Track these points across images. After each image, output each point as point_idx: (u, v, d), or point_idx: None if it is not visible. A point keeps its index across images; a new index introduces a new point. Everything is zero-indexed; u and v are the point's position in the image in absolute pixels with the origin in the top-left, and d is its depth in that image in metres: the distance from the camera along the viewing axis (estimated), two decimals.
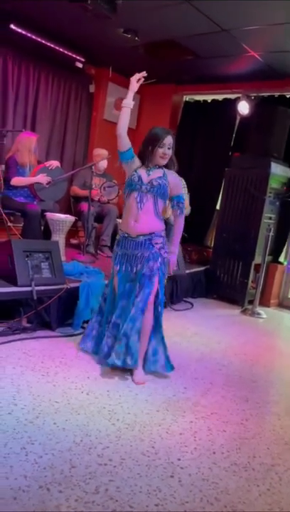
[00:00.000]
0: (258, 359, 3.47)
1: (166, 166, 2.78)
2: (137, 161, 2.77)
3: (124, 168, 2.80)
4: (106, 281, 3.66)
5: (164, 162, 2.74)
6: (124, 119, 2.73)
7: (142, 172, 2.74)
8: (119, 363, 2.66)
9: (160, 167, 2.77)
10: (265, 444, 2.24)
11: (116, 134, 2.72)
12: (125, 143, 2.72)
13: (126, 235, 2.80)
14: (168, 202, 2.88)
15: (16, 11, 4.58)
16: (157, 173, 2.75)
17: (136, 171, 2.74)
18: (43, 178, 4.35)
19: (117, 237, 2.89)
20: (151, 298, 2.74)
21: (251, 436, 2.29)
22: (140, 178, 2.73)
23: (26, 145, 4.40)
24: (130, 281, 2.82)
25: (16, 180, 4.31)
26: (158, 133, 2.70)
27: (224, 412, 2.50)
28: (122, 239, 2.82)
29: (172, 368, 2.86)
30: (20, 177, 4.34)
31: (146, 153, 2.72)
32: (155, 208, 2.75)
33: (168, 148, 2.71)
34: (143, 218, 2.73)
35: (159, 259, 2.76)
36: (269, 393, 2.90)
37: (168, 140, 2.69)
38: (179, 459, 1.98)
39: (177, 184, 2.84)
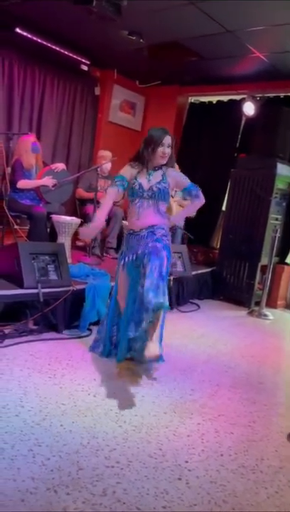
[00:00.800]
0: (265, 360, 3.45)
1: (165, 164, 2.82)
2: (133, 169, 2.82)
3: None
4: (112, 283, 3.67)
5: (164, 161, 2.79)
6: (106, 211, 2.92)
7: (142, 179, 2.79)
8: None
9: (159, 168, 2.81)
10: (273, 447, 2.22)
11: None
12: (114, 195, 2.88)
13: (130, 232, 2.86)
14: (174, 203, 2.90)
15: (21, 14, 4.61)
16: (157, 177, 2.80)
17: (136, 179, 2.80)
18: (48, 181, 4.37)
19: (123, 239, 2.96)
20: (164, 268, 2.67)
21: (259, 439, 2.28)
22: (141, 185, 2.78)
23: (24, 147, 4.41)
24: (136, 267, 2.80)
25: (23, 183, 4.33)
26: (156, 133, 2.75)
27: (231, 414, 2.49)
28: (127, 236, 2.89)
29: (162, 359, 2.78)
30: (27, 180, 4.36)
31: (145, 154, 2.76)
32: (157, 209, 2.81)
33: (168, 147, 2.75)
34: (145, 217, 2.81)
35: (163, 242, 2.76)
36: (276, 395, 2.88)
37: (167, 139, 2.74)
38: (186, 461, 1.98)
39: (179, 178, 2.90)
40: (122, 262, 2.88)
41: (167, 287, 2.72)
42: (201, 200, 2.94)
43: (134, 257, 2.80)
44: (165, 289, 2.61)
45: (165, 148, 2.74)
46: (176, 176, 2.89)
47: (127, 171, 2.85)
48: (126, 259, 2.84)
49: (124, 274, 2.87)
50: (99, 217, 2.86)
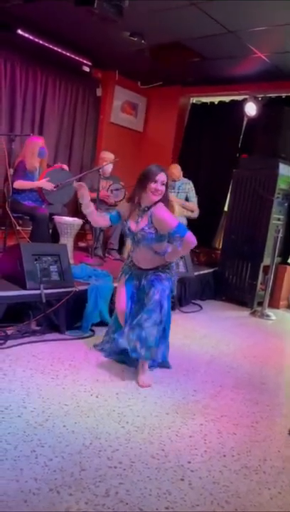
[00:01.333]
0: (268, 361, 3.45)
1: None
2: (129, 207, 2.79)
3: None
4: (114, 284, 3.67)
5: (156, 199, 2.67)
6: (95, 219, 2.93)
7: (131, 222, 2.77)
8: (129, 348, 2.68)
9: (148, 208, 2.70)
10: (276, 447, 2.22)
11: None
12: (105, 219, 2.90)
13: (134, 262, 2.90)
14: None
15: (23, 16, 4.62)
16: (144, 220, 2.71)
17: (126, 221, 2.79)
18: (46, 184, 4.35)
19: (126, 254, 3.00)
20: (166, 292, 2.76)
21: (262, 439, 2.28)
22: (130, 229, 2.78)
23: (30, 149, 4.43)
24: (136, 289, 2.90)
25: (18, 184, 4.32)
26: (151, 169, 2.68)
27: (234, 415, 2.48)
28: (131, 263, 2.93)
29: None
30: (22, 180, 4.35)
31: (137, 190, 2.72)
32: (151, 250, 2.78)
33: (162, 185, 2.66)
34: (145, 259, 2.82)
35: (166, 276, 2.83)
36: (279, 395, 2.88)
37: (162, 177, 2.65)
38: (189, 462, 1.97)
39: (162, 220, 2.66)
40: (126, 277, 2.92)
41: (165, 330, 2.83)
42: (190, 243, 2.71)
43: (136, 283, 2.88)
44: (152, 340, 2.66)
45: (159, 185, 2.64)
46: (159, 220, 2.66)
47: (124, 207, 2.85)
48: (129, 279, 2.90)
49: (124, 288, 2.91)
50: (91, 212, 2.87)
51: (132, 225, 2.76)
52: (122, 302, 2.89)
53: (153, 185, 2.64)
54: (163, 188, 2.68)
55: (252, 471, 1.98)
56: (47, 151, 4.62)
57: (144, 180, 2.67)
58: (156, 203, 2.70)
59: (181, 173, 5.60)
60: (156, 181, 2.65)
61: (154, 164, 2.74)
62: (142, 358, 2.70)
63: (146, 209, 2.72)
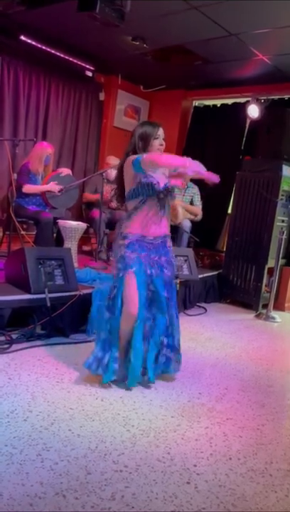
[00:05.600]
0: (273, 363, 3.43)
1: None
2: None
3: (135, 175, 2.55)
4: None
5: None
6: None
7: (159, 175, 2.58)
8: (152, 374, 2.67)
9: None
10: (282, 450, 2.21)
11: (156, 164, 2.51)
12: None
13: (139, 238, 2.59)
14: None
15: (25, 22, 4.66)
16: (160, 175, 2.61)
17: (148, 177, 2.53)
18: (53, 187, 4.40)
19: (123, 241, 2.60)
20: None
21: (268, 442, 2.26)
22: (158, 184, 2.56)
23: (38, 154, 4.46)
24: (145, 284, 2.61)
25: (28, 188, 4.36)
26: (150, 125, 2.60)
27: (240, 418, 2.47)
28: (135, 242, 2.58)
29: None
30: (32, 185, 4.39)
31: (140, 148, 2.56)
32: (169, 211, 2.70)
33: (163, 139, 2.61)
34: (163, 222, 2.66)
35: (172, 268, 2.75)
36: (285, 398, 2.86)
37: (161, 131, 2.60)
38: (195, 465, 1.97)
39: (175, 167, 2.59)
40: (133, 269, 2.54)
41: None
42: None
43: (146, 272, 2.60)
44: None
45: (161, 139, 2.59)
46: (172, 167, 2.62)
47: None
48: (138, 269, 2.56)
49: (134, 282, 2.55)
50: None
51: (161, 179, 2.58)
52: (135, 304, 2.54)
53: (156, 141, 2.57)
54: (164, 143, 2.61)
55: (258, 474, 1.97)
56: (51, 158, 4.66)
57: (146, 139, 2.56)
58: None
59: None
60: (158, 137, 2.58)
61: (144, 121, 2.64)
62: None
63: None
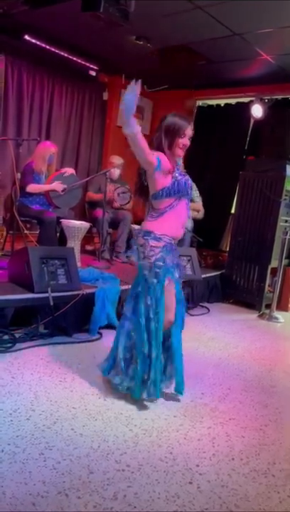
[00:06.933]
0: (276, 364, 3.43)
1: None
2: (165, 159, 2.40)
3: (157, 176, 2.39)
4: (121, 287, 3.68)
5: (182, 155, 2.45)
6: (142, 145, 2.28)
7: (179, 175, 2.44)
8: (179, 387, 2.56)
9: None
10: (285, 450, 2.20)
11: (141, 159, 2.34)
12: (151, 158, 2.33)
13: (172, 242, 2.45)
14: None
15: (29, 22, 4.66)
16: (181, 174, 2.47)
17: (175, 176, 2.41)
18: (58, 186, 4.41)
19: (157, 243, 2.39)
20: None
21: (271, 442, 2.26)
22: (179, 183, 2.41)
23: (42, 153, 4.47)
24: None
25: (32, 188, 4.37)
26: (179, 122, 2.39)
27: (242, 418, 2.47)
28: (169, 246, 2.43)
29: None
30: (36, 184, 4.40)
31: (162, 144, 2.40)
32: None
33: (189, 140, 2.42)
34: (185, 221, 2.54)
35: (181, 270, 2.64)
36: (288, 398, 2.85)
37: (190, 131, 2.41)
38: (197, 465, 1.97)
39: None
40: (175, 278, 2.45)
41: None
42: None
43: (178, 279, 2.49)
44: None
45: (186, 139, 2.40)
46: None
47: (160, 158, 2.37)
48: (175, 272, 2.45)
49: (174, 291, 2.47)
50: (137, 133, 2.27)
51: (182, 178, 2.44)
52: (173, 311, 2.48)
53: (181, 140, 2.39)
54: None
55: (261, 475, 1.97)
56: (54, 157, 4.66)
57: (173, 134, 2.38)
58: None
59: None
60: (184, 136, 2.40)
61: (176, 114, 2.44)
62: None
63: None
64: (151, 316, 2.37)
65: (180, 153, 2.43)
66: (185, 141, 2.41)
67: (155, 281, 2.37)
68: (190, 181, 2.50)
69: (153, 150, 2.37)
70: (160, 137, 2.41)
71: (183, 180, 2.45)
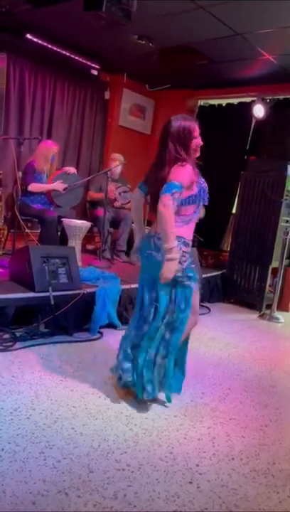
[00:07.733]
0: (277, 364, 3.43)
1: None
2: (192, 173, 2.31)
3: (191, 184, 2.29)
4: (122, 287, 3.68)
5: (198, 155, 2.37)
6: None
7: (202, 181, 2.38)
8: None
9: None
10: (285, 451, 2.20)
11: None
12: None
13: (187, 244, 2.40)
14: None
15: (31, 20, 4.66)
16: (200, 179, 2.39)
17: (200, 182, 2.36)
18: (59, 185, 4.41)
19: (186, 248, 2.34)
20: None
21: (271, 443, 2.26)
22: (205, 188, 2.38)
23: (44, 153, 4.48)
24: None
25: (34, 187, 4.37)
26: (186, 123, 2.29)
27: (242, 418, 2.47)
28: (191, 250, 2.44)
29: None
30: (38, 183, 4.40)
31: (181, 152, 2.27)
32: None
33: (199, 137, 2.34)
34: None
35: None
36: (288, 398, 2.86)
37: (198, 129, 2.33)
38: (197, 465, 1.97)
39: None
40: (196, 281, 2.43)
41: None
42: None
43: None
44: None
45: (200, 139, 2.33)
46: None
47: (188, 173, 2.25)
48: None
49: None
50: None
51: (203, 184, 2.38)
52: (198, 313, 2.57)
53: (195, 140, 2.30)
54: None
55: (261, 475, 1.97)
56: (56, 157, 4.67)
57: (186, 139, 2.27)
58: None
59: None
60: (197, 136, 2.31)
61: (179, 117, 2.31)
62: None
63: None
64: (174, 318, 2.35)
65: (197, 153, 2.36)
66: (198, 141, 2.33)
67: (189, 284, 2.34)
68: (205, 184, 2.42)
69: (170, 164, 2.25)
70: (174, 147, 2.27)
71: (204, 185, 2.40)
